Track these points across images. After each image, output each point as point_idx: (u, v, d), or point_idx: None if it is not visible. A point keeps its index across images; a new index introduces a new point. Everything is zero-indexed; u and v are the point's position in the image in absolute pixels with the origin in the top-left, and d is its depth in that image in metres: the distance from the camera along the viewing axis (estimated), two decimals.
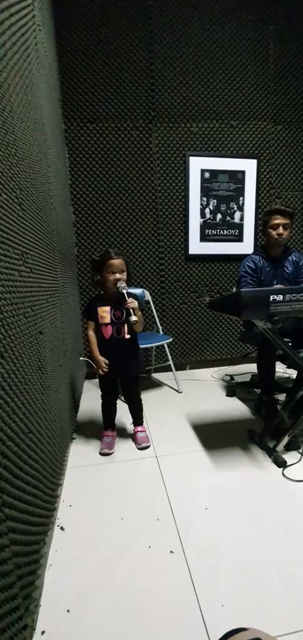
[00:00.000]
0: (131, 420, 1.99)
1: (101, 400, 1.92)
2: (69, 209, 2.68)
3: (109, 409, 1.93)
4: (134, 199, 2.89)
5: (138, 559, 1.14)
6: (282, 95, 2.97)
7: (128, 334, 1.78)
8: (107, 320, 1.76)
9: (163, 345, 2.73)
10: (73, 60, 2.63)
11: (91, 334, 1.80)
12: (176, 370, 2.79)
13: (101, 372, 1.75)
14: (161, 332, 2.90)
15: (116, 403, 1.95)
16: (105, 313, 1.76)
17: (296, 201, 3.14)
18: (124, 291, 1.69)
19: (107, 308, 1.76)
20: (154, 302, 2.94)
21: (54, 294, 1.66)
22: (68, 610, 0.97)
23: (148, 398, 2.57)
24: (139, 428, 1.95)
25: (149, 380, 2.99)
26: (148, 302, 2.90)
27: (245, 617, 0.95)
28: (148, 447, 1.87)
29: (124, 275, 1.73)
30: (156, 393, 2.70)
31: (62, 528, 1.29)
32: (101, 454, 1.80)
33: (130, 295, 1.71)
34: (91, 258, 1.83)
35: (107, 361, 1.75)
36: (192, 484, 1.54)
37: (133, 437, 1.95)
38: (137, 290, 2.83)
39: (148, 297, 2.91)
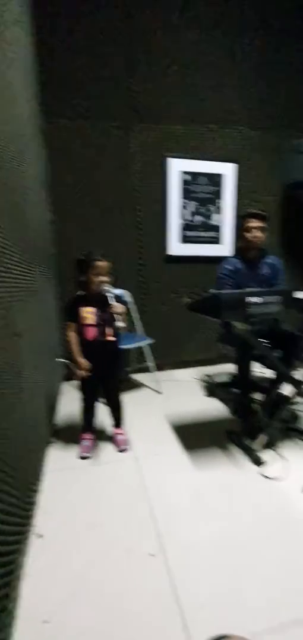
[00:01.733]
0: (110, 422, 1.96)
1: (82, 403, 1.89)
2: (46, 206, 2.62)
3: (89, 411, 1.89)
4: (113, 199, 2.86)
5: (117, 564, 1.13)
6: (258, 101, 3.04)
7: (112, 336, 1.76)
8: (91, 321, 1.73)
9: (143, 347, 2.72)
10: (52, 57, 2.57)
11: (73, 335, 1.75)
12: (156, 371, 2.79)
13: (82, 374, 1.72)
14: (141, 334, 2.89)
15: (96, 405, 1.92)
16: (88, 314, 1.73)
17: (272, 205, 3.22)
18: (110, 295, 1.68)
19: (91, 309, 1.73)
20: (134, 303, 2.93)
21: (31, 294, 1.61)
22: (46, 621, 0.95)
23: (128, 399, 2.55)
24: (120, 430, 1.93)
25: (129, 381, 2.97)
26: (127, 303, 2.88)
27: (224, 616, 0.96)
28: (128, 449, 1.85)
29: (109, 278, 1.72)
30: (136, 394, 2.69)
31: (39, 535, 1.25)
32: (81, 457, 1.77)
33: (116, 299, 1.70)
34: (76, 258, 1.79)
35: (89, 364, 1.72)
36: (172, 484, 1.55)
37: (112, 439, 1.93)
38: (117, 291, 2.81)
39: (128, 298, 2.89)
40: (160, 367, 3.14)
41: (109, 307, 1.68)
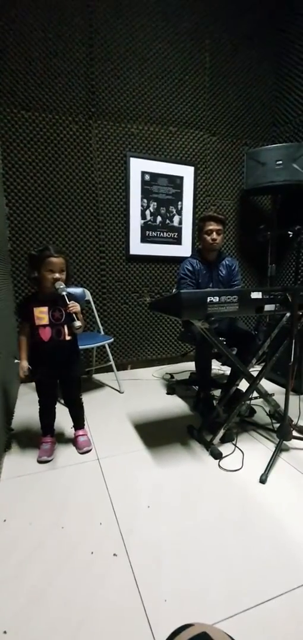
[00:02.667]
0: (70, 424, 1.92)
1: (39, 405, 1.82)
2: (1, 200, 2.49)
3: (47, 413, 1.83)
4: (73, 195, 2.80)
5: (80, 567, 1.11)
6: (216, 108, 3.16)
7: (69, 335, 1.72)
8: (45, 321, 1.66)
9: (104, 346, 2.69)
10: (6, 41, 2.44)
11: (22, 338, 1.68)
12: (118, 370, 2.78)
13: (21, 376, 1.65)
14: (102, 333, 2.86)
15: (55, 407, 1.86)
16: (42, 314, 1.66)
17: (229, 209, 3.37)
18: (64, 293, 1.62)
19: (45, 309, 1.66)
20: (95, 302, 2.89)
21: None
22: (5, 632, 0.90)
23: (89, 399, 2.52)
24: (81, 432, 1.89)
25: (91, 381, 2.93)
26: (88, 301, 2.84)
27: (187, 608, 0.99)
28: (89, 450, 1.82)
29: (63, 276, 1.65)
30: (97, 394, 2.65)
31: None
32: (40, 461, 1.71)
33: (71, 297, 1.65)
34: (28, 253, 1.70)
35: (27, 367, 1.66)
36: (134, 483, 1.56)
37: (73, 441, 1.89)
38: (77, 290, 2.76)
39: (89, 296, 2.84)
40: (121, 366, 3.14)
41: (64, 306, 1.63)
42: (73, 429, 1.92)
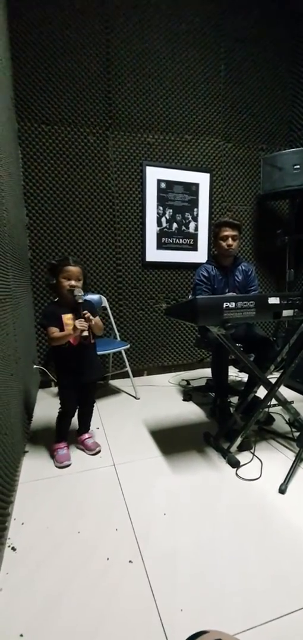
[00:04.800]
0: (78, 428, 1.95)
1: (61, 411, 1.83)
2: (22, 211, 2.57)
3: (69, 419, 1.85)
4: (91, 204, 2.86)
5: (95, 573, 1.11)
6: (232, 115, 3.16)
7: (93, 338, 1.78)
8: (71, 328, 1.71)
9: (120, 352, 2.71)
10: (28, 60, 2.55)
11: (55, 331, 1.69)
12: (134, 376, 2.79)
13: (84, 325, 1.66)
14: (119, 339, 2.89)
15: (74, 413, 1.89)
16: (69, 320, 1.71)
17: (245, 215, 3.34)
18: (80, 301, 1.68)
19: (71, 315, 1.72)
20: (111, 309, 2.92)
21: (5, 299, 1.57)
22: (21, 635, 0.91)
23: (105, 405, 2.54)
24: (87, 435, 1.92)
25: (107, 387, 2.95)
26: (105, 308, 2.87)
27: (203, 619, 0.97)
28: (100, 451, 1.86)
29: (80, 284, 1.72)
30: (113, 400, 2.67)
31: (13, 548, 1.21)
32: (62, 466, 1.72)
33: (85, 307, 1.72)
34: (48, 262, 1.78)
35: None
36: (150, 490, 1.55)
37: (83, 444, 1.90)
38: (94, 297, 2.81)
39: (105, 303, 2.88)
40: (137, 373, 3.14)
41: (79, 314, 1.68)
42: (79, 433, 1.94)
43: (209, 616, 0.97)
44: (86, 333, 1.67)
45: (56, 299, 1.80)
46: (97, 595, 1.03)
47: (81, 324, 1.66)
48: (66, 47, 2.62)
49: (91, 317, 1.72)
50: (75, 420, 1.91)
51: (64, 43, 2.62)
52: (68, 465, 1.74)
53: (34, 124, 2.63)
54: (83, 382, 1.82)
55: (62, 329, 1.70)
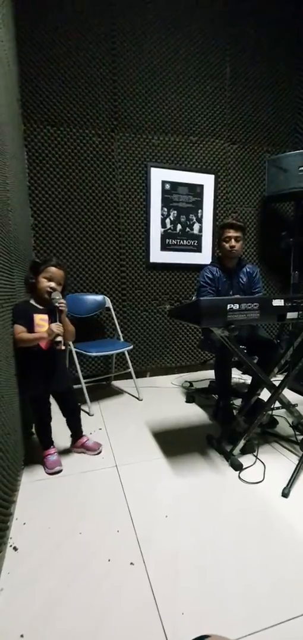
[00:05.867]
0: (70, 433, 1.90)
1: (35, 421, 1.78)
2: (27, 211, 2.58)
3: (46, 426, 1.78)
4: (95, 205, 2.86)
5: (97, 574, 1.11)
6: (237, 117, 3.15)
7: (64, 344, 1.67)
8: (46, 329, 1.64)
9: (123, 353, 2.71)
10: (34, 61, 2.56)
11: (23, 331, 1.60)
12: (137, 377, 2.78)
13: (54, 330, 1.57)
14: (122, 340, 2.89)
15: (51, 417, 1.80)
16: (43, 321, 1.66)
17: (249, 216, 3.33)
18: (62, 308, 1.66)
19: (46, 317, 1.67)
20: (115, 309, 2.92)
21: (9, 299, 1.57)
22: (22, 636, 0.91)
23: (108, 406, 2.54)
24: (85, 438, 1.89)
25: (110, 387, 2.95)
26: (108, 309, 2.88)
27: (205, 623, 0.96)
28: (101, 451, 1.85)
29: (59, 288, 1.69)
30: (116, 401, 2.67)
31: (15, 548, 1.21)
32: (53, 472, 1.67)
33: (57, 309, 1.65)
34: (31, 260, 1.75)
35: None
36: (152, 492, 1.54)
37: (82, 447, 1.87)
38: (98, 297, 2.82)
39: (109, 304, 2.88)
40: (140, 374, 3.14)
41: (55, 319, 1.63)
42: (73, 438, 1.88)
43: (211, 620, 0.96)
44: (60, 338, 1.59)
45: (30, 299, 1.74)
46: (98, 597, 1.03)
47: (58, 328, 1.59)
48: (71, 49, 2.64)
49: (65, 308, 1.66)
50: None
51: (70, 45, 2.63)
52: (59, 471, 1.68)
53: (40, 125, 2.65)
54: (51, 390, 1.75)
55: (31, 329, 1.62)
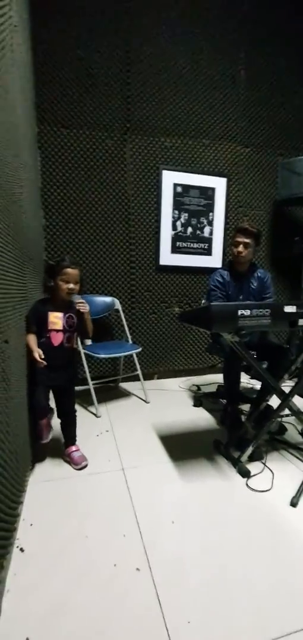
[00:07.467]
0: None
1: (35, 391, 1.66)
2: (39, 212, 2.60)
3: (44, 396, 1.71)
4: (106, 207, 2.87)
5: (102, 579, 1.11)
6: (250, 120, 3.12)
7: (76, 344, 1.74)
8: (59, 326, 1.70)
9: (131, 355, 2.71)
10: (49, 64, 2.59)
11: (31, 335, 1.64)
12: (144, 380, 2.78)
13: (37, 358, 1.57)
14: (130, 342, 2.89)
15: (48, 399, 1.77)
16: (57, 319, 1.70)
17: (261, 220, 3.29)
18: (79, 308, 1.69)
19: (60, 314, 1.71)
20: (124, 311, 2.93)
21: (21, 300, 1.59)
22: (28, 638, 0.92)
23: (115, 408, 2.54)
24: (74, 448, 1.81)
25: (117, 389, 2.95)
26: (117, 310, 2.88)
27: (211, 632, 0.95)
28: (86, 465, 1.75)
29: (77, 287, 1.71)
30: (123, 403, 2.67)
31: (21, 549, 1.22)
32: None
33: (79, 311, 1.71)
34: (46, 263, 1.78)
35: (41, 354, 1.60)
36: (159, 496, 1.54)
37: (69, 457, 1.79)
38: (107, 299, 2.82)
39: (118, 306, 2.88)
40: (148, 376, 3.13)
41: (76, 313, 1.68)
42: (65, 446, 1.83)
43: (217, 630, 0.95)
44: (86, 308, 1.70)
45: (48, 297, 1.77)
46: (103, 602, 1.02)
47: (83, 305, 1.68)
48: (86, 52, 2.65)
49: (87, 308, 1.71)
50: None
51: (85, 47, 2.64)
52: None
53: (54, 127, 2.67)
54: (56, 384, 1.74)
55: (43, 326, 1.67)
